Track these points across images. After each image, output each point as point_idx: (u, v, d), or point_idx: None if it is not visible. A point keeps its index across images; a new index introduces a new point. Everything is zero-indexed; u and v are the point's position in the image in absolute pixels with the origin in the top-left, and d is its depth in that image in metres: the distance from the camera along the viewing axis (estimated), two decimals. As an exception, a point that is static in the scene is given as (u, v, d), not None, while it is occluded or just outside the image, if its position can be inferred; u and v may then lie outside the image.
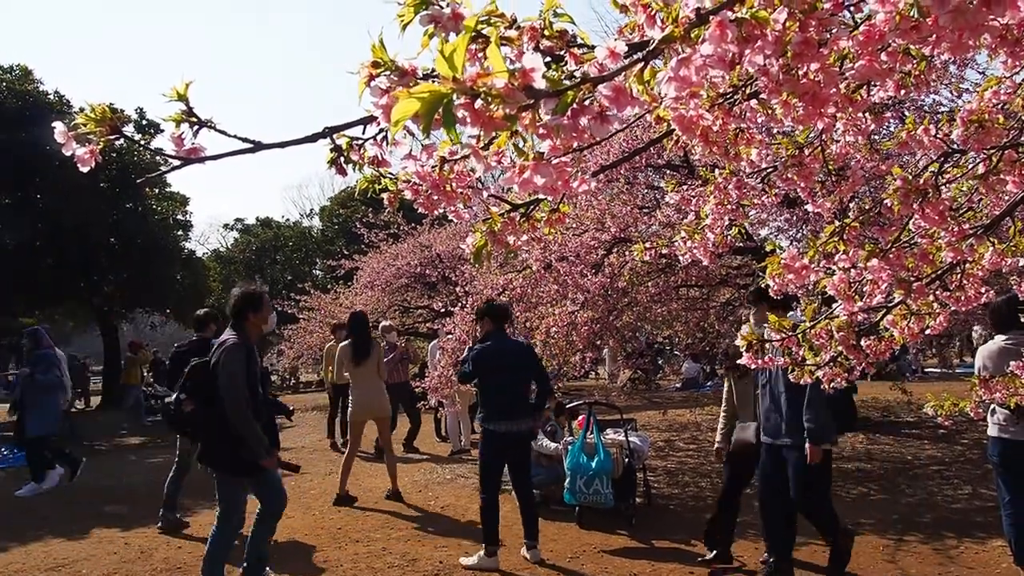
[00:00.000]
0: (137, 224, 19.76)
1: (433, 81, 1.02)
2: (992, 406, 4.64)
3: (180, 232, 23.28)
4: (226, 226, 44.68)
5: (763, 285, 4.46)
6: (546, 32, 1.19)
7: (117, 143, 1.37)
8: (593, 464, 6.61)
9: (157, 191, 21.70)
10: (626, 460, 6.96)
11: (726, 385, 5.90)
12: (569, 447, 6.92)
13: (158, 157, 18.62)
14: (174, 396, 5.50)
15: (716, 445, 5.96)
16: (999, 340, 4.81)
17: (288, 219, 45.15)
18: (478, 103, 0.83)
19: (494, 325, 6.26)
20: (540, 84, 0.85)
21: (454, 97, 0.82)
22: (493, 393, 6.04)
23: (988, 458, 5.03)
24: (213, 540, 5.17)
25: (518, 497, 6.07)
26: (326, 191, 52.09)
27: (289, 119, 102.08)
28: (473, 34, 1.05)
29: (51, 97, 18.96)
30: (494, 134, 0.96)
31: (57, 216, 17.72)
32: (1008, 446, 4.75)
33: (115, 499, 7.86)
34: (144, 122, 21.46)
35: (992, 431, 4.83)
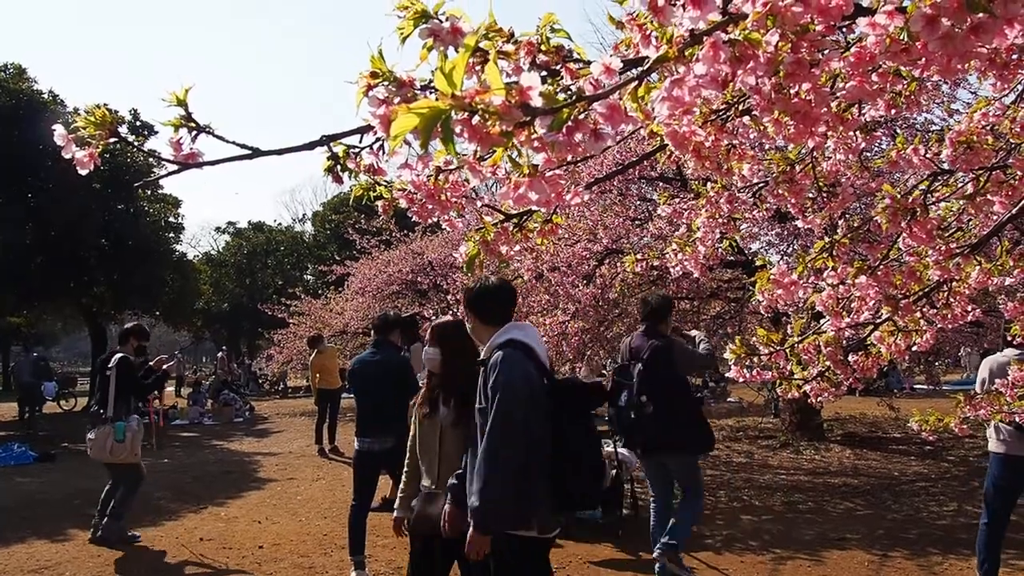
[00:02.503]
0: (128, 225, 19.69)
1: (430, 93, 1.04)
2: (995, 423, 4.63)
3: (171, 234, 23.20)
4: (218, 229, 44.66)
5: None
6: (543, 47, 1.21)
7: (110, 143, 1.38)
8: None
9: (149, 193, 21.64)
10: (614, 471, 6.96)
11: (412, 428, 4.11)
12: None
13: (152, 158, 18.63)
14: (624, 401, 5.42)
15: (395, 514, 4.09)
16: (1009, 352, 4.81)
17: (280, 223, 45.17)
18: (475, 119, 0.85)
19: (375, 336, 6.10)
20: (537, 102, 0.87)
21: (452, 113, 0.83)
22: (357, 408, 5.97)
23: (994, 477, 4.95)
24: (688, 520, 5.39)
25: None
26: (319, 196, 52.15)
27: (286, 119, 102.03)
28: (471, 50, 1.07)
29: (45, 96, 18.90)
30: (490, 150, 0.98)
31: (48, 215, 17.65)
32: (1009, 462, 4.77)
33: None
34: (138, 123, 21.44)
35: (998, 448, 4.82)
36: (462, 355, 3.77)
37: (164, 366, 7.24)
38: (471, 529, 3.01)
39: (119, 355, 6.88)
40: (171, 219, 23.20)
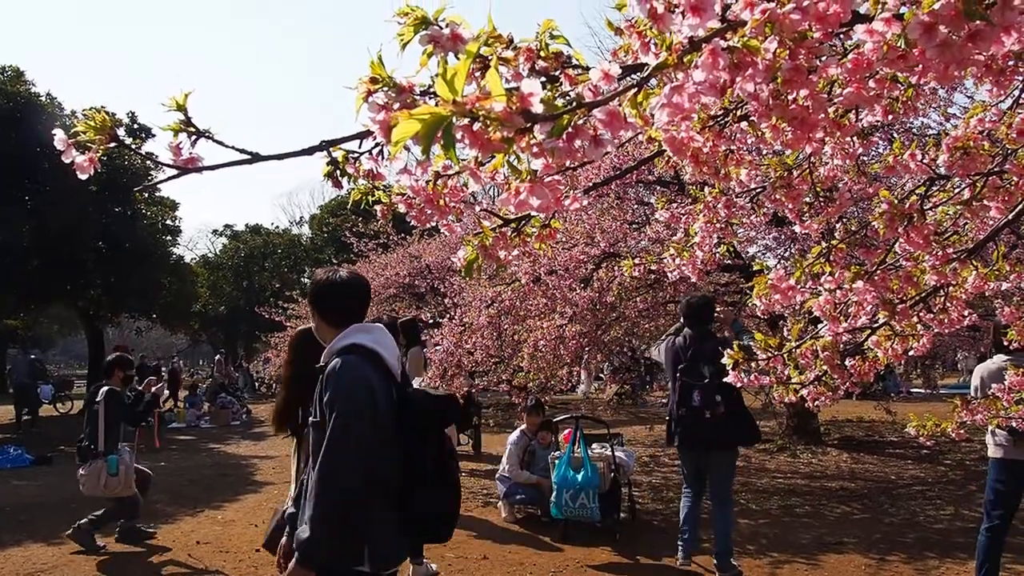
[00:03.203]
0: (126, 228, 19.70)
1: (430, 99, 1.04)
2: (991, 427, 4.64)
3: (168, 237, 23.21)
4: (215, 232, 44.65)
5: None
6: (542, 53, 1.22)
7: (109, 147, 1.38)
8: (579, 478, 6.61)
9: (146, 196, 21.64)
10: (612, 475, 6.97)
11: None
12: (556, 461, 6.92)
13: (150, 161, 18.62)
14: (698, 402, 5.56)
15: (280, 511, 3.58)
16: (999, 359, 4.82)
17: (277, 226, 45.17)
18: (477, 125, 0.85)
19: None
20: (538, 108, 0.87)
21: (454, 119, 0.84)
22: None
23: (993, 481, 4.97)
24: (729, 523, 5.61)
25: None
26: (316, 199, 52.25)
27: (286, 119, 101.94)
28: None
29: (43, 99, 18.90)
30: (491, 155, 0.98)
31: (46, 218, 17.65)
32: (1007, 466, 4.78)
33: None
34: (136, 126, 21.45)
35: (995, 452, 4.84)
36: (305, 363, 3.21)
37: (152, 388, 7.21)
38: (293, 562, 2.61)
39: (106, 388, 6.86)
40: (168, 222, 23.23)
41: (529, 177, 1.03)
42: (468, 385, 9.16)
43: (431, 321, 12.53)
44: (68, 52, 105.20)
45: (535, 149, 1.02)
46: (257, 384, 29.93)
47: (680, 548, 5.76)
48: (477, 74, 1.14)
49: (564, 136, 0.93)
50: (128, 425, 7.07)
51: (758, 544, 6.41)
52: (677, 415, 5.68)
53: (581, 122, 0.96)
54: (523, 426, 7.94)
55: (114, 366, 7.17)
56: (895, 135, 7.85)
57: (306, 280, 36.90)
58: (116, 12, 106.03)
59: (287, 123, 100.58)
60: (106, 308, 21.89)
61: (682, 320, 5.95)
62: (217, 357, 26.00)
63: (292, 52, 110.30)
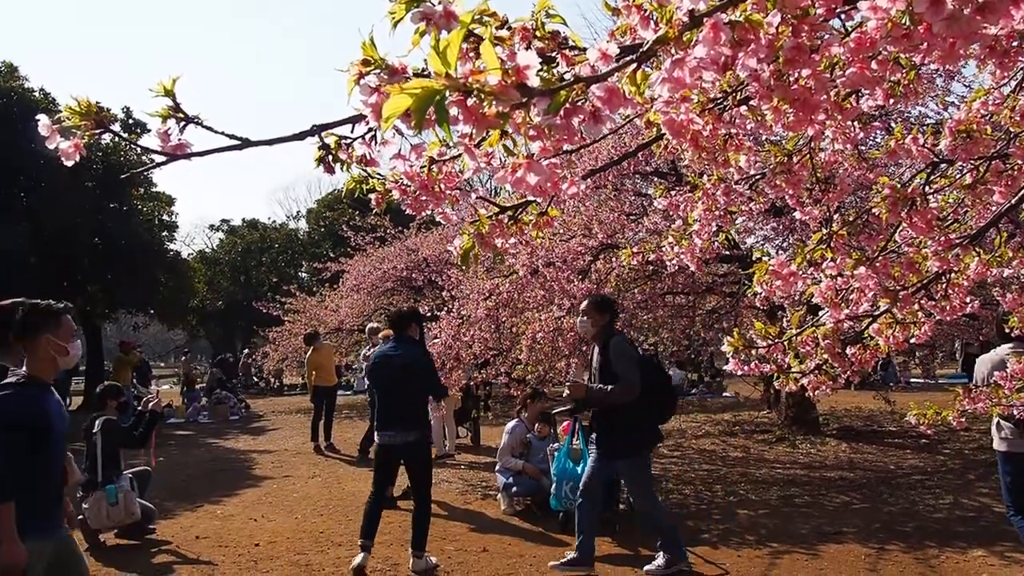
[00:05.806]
0: (122, 224, 19.59)
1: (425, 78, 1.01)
2: (997, 420, 4.63)
3: (165, 233, 23.10)
4: (212, 227, 44.53)
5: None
6: (538, 33, 1.19)
7: (102, 143, 1.36)
8: (579, 470, 6.59)
9: (143, 191, 21.55)
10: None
11: None
12: (555, 453, 6.90)
13: (144, 157, 18.55)
14: None
15: None
16: (1002, 349, 4.79)
17: (274, 221, 45.04)
18: (471, 100, 0.82)
19: (392, 331, 6.26)
20: (534, 82, 0.84)
21: (447, 93, 0.81)
22: (377, 402, 6.03)
23: (1002, 475, 4.96)
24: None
25: (414, 504, 5.98)
26: (313, 193, 52.09)
27: (286, 119, 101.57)
28: (465, 33, 1.04)
29: (37, 95, 18.79)
30: (485, 133, 0.95)
31: (42, 216, 17.56)
32: (1011, 459, 4.77)
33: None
34: (131, 121, 21.31)
35: (1000, 445, 4.82)
36: None
37: (151, 404, 7.16)
38: None
39: (102, 418, 6.88)
40: (165, 217, 23.11)
41: (526, 156, 1.00)
42: (467, 378, 9.17)
43: (429, 314, 12.52)
44: (67, 52, 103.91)
45: (531, 132, 0.99)
46: (257, 379, 29.93)
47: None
48: (472, 54, 1.11)
49: (562, 112, 0.90)
50: (131, 449, 7.10)
51: (758, 535, 6.40)
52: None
53: (579, 101, 0.93)
54: (523, 415, 7.93)
55: (105, 397, 7.28)
56: (893, 124, 7.83)
57: (304, 275, 36.84)
58: (115, 12, 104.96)
59: (287, 123, 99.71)
60: (103, 304, 21.81)
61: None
62: (246, 350, 26.23)
63: (292, 52, 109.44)
